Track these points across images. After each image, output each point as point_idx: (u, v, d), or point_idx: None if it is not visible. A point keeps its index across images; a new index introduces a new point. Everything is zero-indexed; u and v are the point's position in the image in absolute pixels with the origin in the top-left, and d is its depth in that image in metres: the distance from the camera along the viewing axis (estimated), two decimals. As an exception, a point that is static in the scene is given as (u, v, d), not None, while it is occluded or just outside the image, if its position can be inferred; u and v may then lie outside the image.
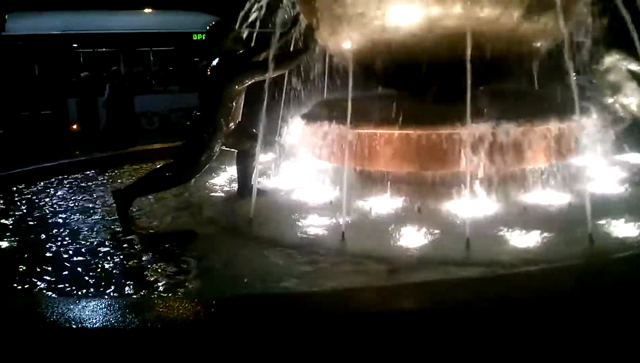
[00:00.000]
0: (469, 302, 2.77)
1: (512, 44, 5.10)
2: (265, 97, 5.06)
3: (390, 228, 4.36)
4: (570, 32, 5.02)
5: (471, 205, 4.37)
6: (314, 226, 4.59)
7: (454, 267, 3.68)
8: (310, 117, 5.76)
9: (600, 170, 5.59)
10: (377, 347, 2.57)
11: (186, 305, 2.82)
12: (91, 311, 2.73)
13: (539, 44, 5.38)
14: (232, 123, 5.25)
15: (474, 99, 4.39)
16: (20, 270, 4.06)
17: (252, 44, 5.62)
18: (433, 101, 5.06)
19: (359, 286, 3.47)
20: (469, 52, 4.35)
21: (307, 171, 5.86)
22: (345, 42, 5.46)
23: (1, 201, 6.03)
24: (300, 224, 4.64)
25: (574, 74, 4.41)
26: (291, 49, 5.76)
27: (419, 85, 5.24)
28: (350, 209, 4.59)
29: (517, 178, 5.15)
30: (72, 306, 2.80)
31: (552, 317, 2.68)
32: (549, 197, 4.96)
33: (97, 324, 2.62)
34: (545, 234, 4.11)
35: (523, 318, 2.68)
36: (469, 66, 4.31)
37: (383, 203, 4.98)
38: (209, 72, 5.22)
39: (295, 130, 5.88)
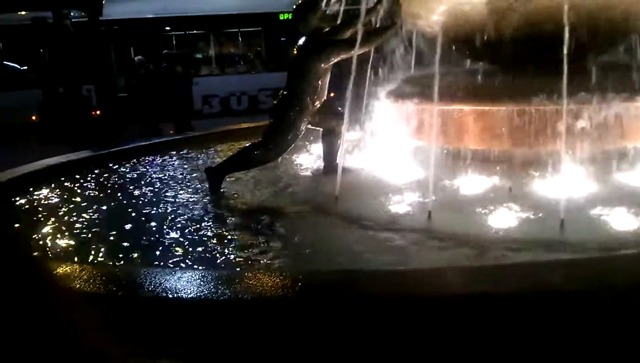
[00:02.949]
0: (563, 286, 2.67)
1: (614, 15, 4.78)
2: (352, 75, 5.04)
3: (479, 208, 4.24)
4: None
5: (566, 185, 4.18)
6: (400, 204, 4.55)
7: (547, 249, 3.53)
8: (396, 95, 5.69)
9: None
10: (463, 330, 2.53)
11: (275, 278, 2.88)
12: (186, 283, 2.86)
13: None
14: (318, 101, 5.28)
15: (572, 73, 4.17)
16: (119, 242, 4.29)
17: (338, 22, 5.60)
18: (527, 75, 4.85)
19: (445, 266, 3.42)
20: (567, 23, 4.13)
21: (393, 149, 5.81)
22: (434, 15, 5.32)
23: (100, 178, 6.38)
24: (385, 202, 4.61)
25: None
26: (377, 25, 5.69)
27: (512, 58, 5.03)
28: (437, 188, 4.50)
29: (618, 156, 4.85)
30: (168, 277, 2.94)
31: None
32: (651, 177, 4.65)
33: (192, 295, 2.74)
34: (647, 216, 3.87)
35: (620, 304, 2.54)
36: (566, 38, 4.09)
37: (472, 182, 4.83)
38: (295, 51, 5.26)
39: (381, 108, 5.83)
